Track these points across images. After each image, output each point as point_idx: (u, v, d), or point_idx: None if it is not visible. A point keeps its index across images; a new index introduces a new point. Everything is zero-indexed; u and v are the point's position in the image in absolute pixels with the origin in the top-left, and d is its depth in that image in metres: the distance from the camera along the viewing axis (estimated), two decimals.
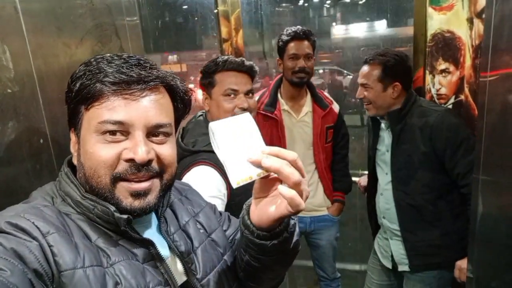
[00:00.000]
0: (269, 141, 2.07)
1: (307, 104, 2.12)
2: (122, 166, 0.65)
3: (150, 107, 0.66)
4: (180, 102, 0.74)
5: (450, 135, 1.60)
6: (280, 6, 2.94)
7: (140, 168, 0.65)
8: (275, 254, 0.74)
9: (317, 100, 2.12)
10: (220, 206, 1.23)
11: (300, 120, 2.10)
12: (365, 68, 1.74)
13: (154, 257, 0.70)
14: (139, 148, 0.64)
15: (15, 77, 0.78)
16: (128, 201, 0.66)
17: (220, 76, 1.38)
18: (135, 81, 0.64)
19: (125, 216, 0.65)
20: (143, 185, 0.66)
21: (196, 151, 1.31)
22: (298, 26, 2.02)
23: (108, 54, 0.69)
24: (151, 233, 0.75)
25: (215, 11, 2.36)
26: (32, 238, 0.58)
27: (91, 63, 0.67)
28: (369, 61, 1.73)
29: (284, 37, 2.00)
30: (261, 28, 2.69)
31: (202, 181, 1.23)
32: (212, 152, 1.30)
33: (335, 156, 2.22)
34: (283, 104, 2.08)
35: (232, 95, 1.37)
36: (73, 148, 0.71)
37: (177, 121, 0.76)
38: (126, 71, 0.64)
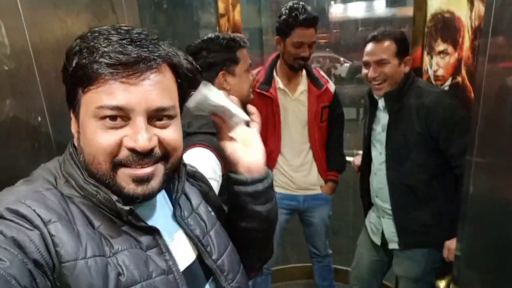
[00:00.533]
0: (264, 119, 2.05)
1: (303, 83, 2.11)
2: (124, 154, 0.62)
3: (151, 89, 0.62)
4: (184, 80, 0.70)
5: (446, 116, 1.61)
6: None
7: (143, 157, 0.63)
8: (265, 203, 0.84)
9: (313, 79, 2.10)
10: (216, 187, 1.24)
11: (295, 99, 2.10)
12: (379, 44, 1.69)
13: (158, 244, 0.69)
14: (140, 136, 0.61)
15: (11, 54, 0.77)
16: (130, 188, 0.64)
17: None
18: (134, 62, 0.60)
19: (127, 208, 0.63)
20: (146, 170, 0.64)
21: (192, 132, 1.31)
22: (301, 4, 1.89)
23: (105, 28, 0.63)
24: (159, 217, 0.74)
25: None
26: (34, 227, 0.56)
27: (87, 37, 0.62)
28: (380, 37, 1.69)
29: (290, 20, 1.88)
30: (259, 4, 2.64)
31: (199, 163, 1.20)
32: (207, 133, 1.33)
33: (329, 136, 2.23)
34: (278, 82, 2.07)
35: None
36: (73, 128, 0.68)
37: (182, 100, 0.72)
38: (124, 50, 0.59)
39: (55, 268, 0.57)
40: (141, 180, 0.63)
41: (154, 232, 0.69)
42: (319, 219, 2.31)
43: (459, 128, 1.59)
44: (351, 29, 3.14)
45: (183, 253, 0.75)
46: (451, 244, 1.67)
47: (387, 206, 1.84)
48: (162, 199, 0.78)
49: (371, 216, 2.02)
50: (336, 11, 3.18)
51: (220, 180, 1.29)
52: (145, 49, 0.61)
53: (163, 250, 0.69)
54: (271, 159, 2.12)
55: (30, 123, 0.82)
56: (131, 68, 0.60)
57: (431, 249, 1.79)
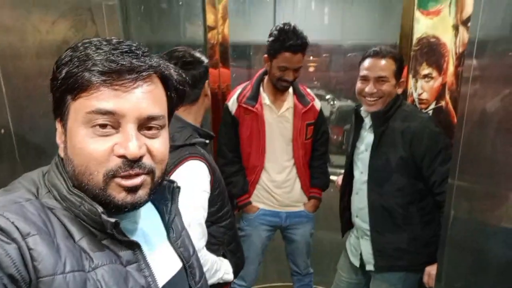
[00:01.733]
0: (249, 135, 2.07)
1: (289, 99, 2.10)
2: (114, 163, 0.62)
3: (143, 98, 0.62)
4: (174, 92, 0.71)
5: (430, 143, 1.60)
6: None
7: (132, 165, 0.62)
8: None
9: (299, 96, 2.10)
10: (206, 199, 1.30)
11: (280, 115, 2.09)
12: (381, 61, 1.66)
13: (138, 259, 0.68)
14: (131, 143, 0.61)
15: None
16: (120, 196, 0.63)
17: None
18: (127, 70, 0.60)
19: (112, 220, 0.62)
20: (135, 181, 0.63)
21: (180, 145, 1.30)
22: (292, 28, 1.86)
23: (96, 39, 0.63)
24: (141, 230, 0.74)
25: None
26: (11, 240, 0.55)
27: (78, 48, 0.62)
28: (382, 54, 1.66)
29: (277, 43, 1.85)
30: (249, 19, 2.64)
31: (196, 176, 1.27)
32: (194, 145, 1.32)
33: (313, 153, 2.22)
34: (264, 98, 2.06)
35: None
36: (59, 139, 0.66)
37: (171, 112, 0.73)
38: (116, 59, 0.60)
39: (31, 283, 0.55)
40: (130, 190, 0.63)
41: (134, 246, 0.68)
42: (301, 236, 2.28)
43: (442, 156, 1.59)
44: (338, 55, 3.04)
45: (166, 266, 0.76)
46: (432, 269, 1.66)
47: (366, 226, 1.82)
48: (148, 211, 0.79)
49: (351, 237, 2.00)
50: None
51: (209, 192, 1.32)
52: (137, 59, 0.62)
53: (143, 266, 0.68)
54: (254, 174, 2.12)
55: None
56: (123, 76, 0.60)
57: (407, 273, 1.78)
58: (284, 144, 2.11)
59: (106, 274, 0.62)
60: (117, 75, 0.60)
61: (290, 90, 2.10)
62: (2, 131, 0.75)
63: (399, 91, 1.70)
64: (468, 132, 1.04)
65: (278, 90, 2.04)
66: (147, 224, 0.76)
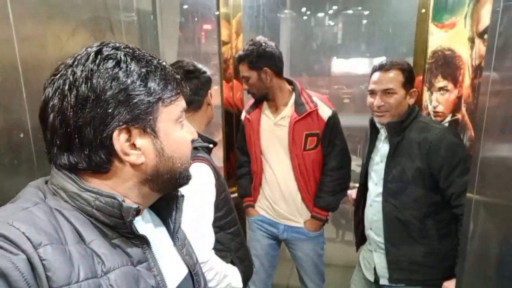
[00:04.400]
0: (249, 141, 2.18)
1: (288, 107, 2.03)
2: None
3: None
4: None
5: (448, 154, 1.58)
6: (283, 12, 2.92)
7: None
8: None
9: (296, 104, 2.00)
10: (213, 200, 1.34)
11: (276, 123, 2.05)
12: (387, 74, 1.67)
13: (147, 258, 0.70)
14: (193, 130, 0.79)
15: None
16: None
17: None
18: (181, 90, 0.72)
19: (135, 205, 0.64)
20: None
21: None
22: (249, 42, 2.00)
23: (149, 55, 0.69)
24: (148, 231, 0.75)
25: (217, 13, 2.34)
26: (21, 251, 0.54)
27: (149, 62, 0.67)
28: (388, 66, 1.67)
29: (262, 54, 1.97)
30: (263, 34, 2.67)
31: (203, 180, 1.31)
32: (196, 148, 1.34)
33: (323, 167, 2.08)
34: (265, 107, 2.12)
35: None
36: (128, 146, 0.65)
37: None
38: (175, 78, 0.71)
39: None
40: None
41: (144, 243, 0.70)
42: (303, 254, 2.18)
43: (460, 168, 1.56)
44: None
45: (174, 271, 0.78)
46: (450, 285, 1.61)
47: (381, 239, 1.79)
48: (152, 220, 0.81)
49: (364, 250, 1.97)
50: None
51: (215, 194, 1.35)
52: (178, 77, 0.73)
53: (152, 265, 0.70)
54: (257, 179, 2.19)
55: (13, 140, 0.78)
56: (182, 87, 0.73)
57: None
58: (282, 155, 2.06)
59: (119, 278, 0.62)
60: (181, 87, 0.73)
61: (293, 98, 2.04)
62: (22, 135, 0.76)
63: (411, 101, 1.69)
64: (487, 144, 1.02)
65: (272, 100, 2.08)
66: (153, 231, 0.78)
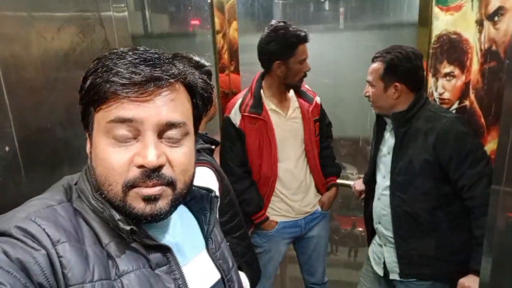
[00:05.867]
0: (258, 145, 1.94)
1: (293, 99, 2.02)
2: (133, 173, 0.61)
3: (163, 105, 0.61)
4: (200, 99, 0.69)
5: (457, 145, 1.51)
6: None
7: (151, 175, 0.61)
8: None
9: (302, 95, 2.03)
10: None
11: (289, 117, 2.00)
12: (372, 64, 1.66)
13: (169, 261, 0.68)
14: (149, 151, 0.60)
15: None
16: (140, 207, 0.62)
17: None
18: (147, 81, 0.59)
19: (128, 227, 0.62)
20: (153, 190, 0.62)
21: None
22: (287, 23, 1.87)
23: (123, 48, 0.64)
24: (174, 238, 0.73)
25: (209, 1, 2.23)
26: (41, 247, 0.56)
27: (104, 57, 0.62)
28: (374, 57, 1.65)
29: (294, 39, 1.83)
30: (258, 21, 2.57)
31: (204, 183, 1.20)
32: (199, 151, 1.27)
33: (322, 145, 2.16)
34: (268, 103, 1.96)
35: None
36: (88, 149, 0.68)
37: (198, 119, 0.72)
38: (137, 70, 0.59)
39: None
40: (149, 199, 0.62)
41: (164, 249, 0.68)
42: (318, 237, 2.18)
43: (471, 158, 1.51)
44: None
45: (203, 276, 0.75)
46: (468, 281, 1.56)
47: (390, 233, 1.75)
48: (188, 221, 0.79)
49: (374, 244, 1.93)
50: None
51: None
52: (158, 69, 0.61)
53: (174, 269, 0.68)
54: (267, 186, 2.00)
55: None
56: (142, 87, 0.59)
57: (435, 282, 1.69)
58: (297, 147, 2.02)
59: (133, 281, 0.61)
60: (137, 87, 0.59)
61: (291, 90, 2.02)
62: (7, 148, 0.68)
63: (395, 96, 1.61)
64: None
65: (288, 89, 1.98)
66: (184, 235, 0.75)
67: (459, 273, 1.60)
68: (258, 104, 1.92)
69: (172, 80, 0.62)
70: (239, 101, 1.95)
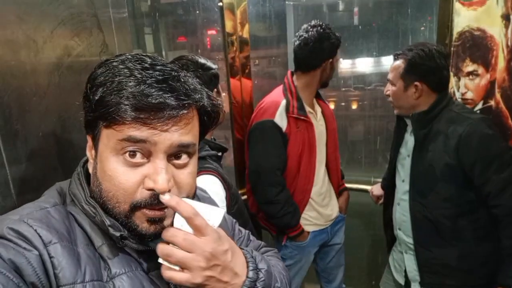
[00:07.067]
0: (300, 152, 1.84)
1: (315, 103, 1.99)
2: (142, 196, 0.62)
3: (176, 129, 0.61)
4: (207, 116, 0.69)
5: (481, 149, 1.42)
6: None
7: (159, 199, 0.61)
8: None
9: (320, 97, 2.02)
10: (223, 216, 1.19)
11: (319, 120, 1.97)
12: (394, 62, 1.60)
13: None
14: (160, 177, 0.60)
15: None
16: (144, 226, 0.63)
17: None
18: (163, 108, 0.58)
19: (117, 234, 0.62)
20: (159, 213, 0.63)
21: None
22: (325, 23, 1.85)
23: (129, 57, 0.62)
24: None
25: (219, 3, 2.18)
26: (33, 247, 0.56)
27: (111, 68, 0.61)
28: (396, 55, 1.59)
29: (337, 41, 1.83)
30: (270, 24, 2.51)
31: (212, 192, 1.15)
32: (204, 158, 1.21)
33: None
34: (306, 106, 1.88)
35: None
36: (89, 152, 0.67)
37: (202, 134, 0.72)
38: (151, 92, 0.57)
39: None
40: (154, 221, 0.63)
41: (156, 254, 0.65)
42: (341, 241, 2.15)
43: (497, 163, 1.41)
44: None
45: None
46: None
47: (410, 240, 1.67)
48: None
49: (394, 251, 1.84)
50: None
51: (225, 209, 1.23)
52: (173, 95, 0.59)
53: None
54: (303, 194, 1.90)
55: None
56: (157, 114, 0.58)
57: None
58: (323, 150, 1.97)
59: (125, 283, 0.62)
60: (152, 114, 0.58)
61: None
62: None
63: (415, 95, 1.53)
64: None
65: (314, 93, 1.96)
66: None
67: (486, 286, 1.50)
68: (302, 106, 1.84)
69: (191, 108, 0.62)
70: (283, 104, 1.83)
